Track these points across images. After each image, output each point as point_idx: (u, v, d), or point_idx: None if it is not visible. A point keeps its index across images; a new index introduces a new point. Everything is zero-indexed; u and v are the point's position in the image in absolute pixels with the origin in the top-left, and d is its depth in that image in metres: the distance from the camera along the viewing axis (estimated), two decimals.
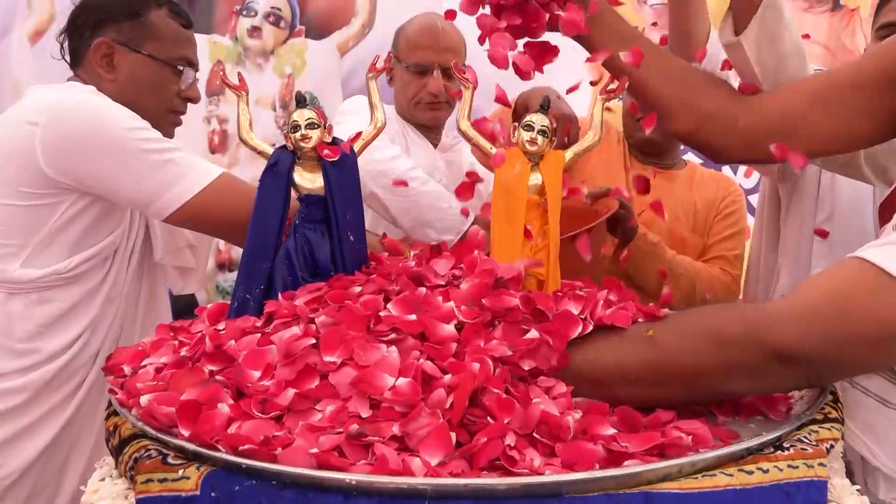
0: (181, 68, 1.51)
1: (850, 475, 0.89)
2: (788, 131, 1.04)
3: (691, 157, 2.18)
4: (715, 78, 1.15)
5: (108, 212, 1.44)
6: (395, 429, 0.77)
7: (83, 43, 1.48)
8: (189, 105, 1.58)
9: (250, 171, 2.74)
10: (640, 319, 0.91)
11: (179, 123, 1.57)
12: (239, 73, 1.04)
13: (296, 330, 0.89)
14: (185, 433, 0.79)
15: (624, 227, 1.69)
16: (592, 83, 1.22)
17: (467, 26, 2.06)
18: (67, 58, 1.51)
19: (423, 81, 1.91)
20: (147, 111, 1.44)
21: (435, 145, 2.01)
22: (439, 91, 1.92)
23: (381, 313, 0.89)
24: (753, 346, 0.82)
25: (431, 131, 2.02)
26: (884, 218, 0.98)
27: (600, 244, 1.48)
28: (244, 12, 2.95)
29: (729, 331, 0.84)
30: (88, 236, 1.42)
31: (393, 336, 0.87)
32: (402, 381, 0.81)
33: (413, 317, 0.89)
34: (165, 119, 1.51)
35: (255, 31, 2.96)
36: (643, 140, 1.90)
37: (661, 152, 1.94)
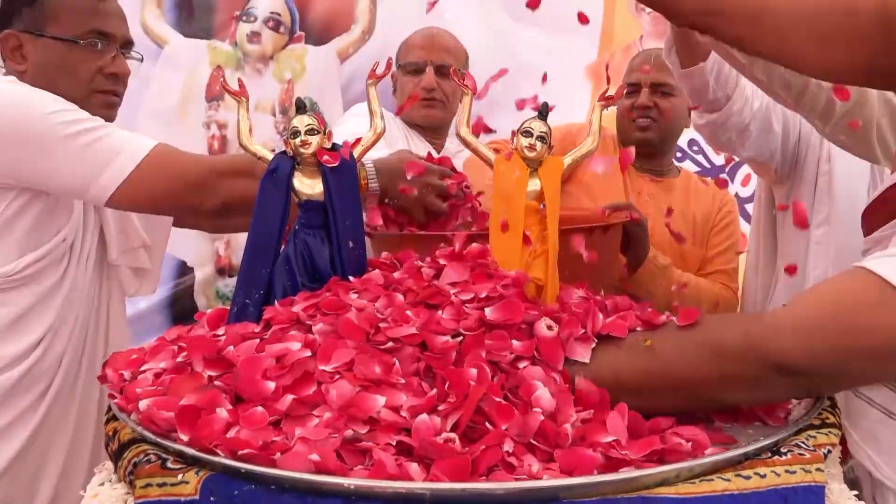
0: (92, 43, 1.41)
1: (858, 490, 0.88)
2: (760, 28, 0.98)
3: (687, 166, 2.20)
4: None
5: (53, 208, 1.38)
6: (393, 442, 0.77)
7: None
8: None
9: None
10: (638, 328, 0.91)
11: (113, 104, 1.46)
12: (239, 80, 1.04)
13: (295, 338, 0.89)
14: (185, 438, 0.79)
15: (637, 246, 1.69)
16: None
17: (470, 40, 2.10)
18: None
19: (417, 80, 1.99)
20: (68, 96, 1.35)
21: (438, 151, 2.03)
22: (431, 85, 1.98)
23: (381, 325, 0.89)
24: (754, 358, 0.82)
25: (433, 135, 2.04)
26: (867, 226, 0.97)
27: (613, 259, 1.46)
28: (244, 18, 2.95)
29: (729, 342, 0.83)
30: (35, 235, 1.36)
31: (391, 345, 0.87)
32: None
33: (413, 329, 0.88)
34: (92, 101, 1.41)
35: (254, 36, 2.97)
36: (639, 141, 1.90)
37: (655, 154, 1.95)
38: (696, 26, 1.04)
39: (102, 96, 1.44)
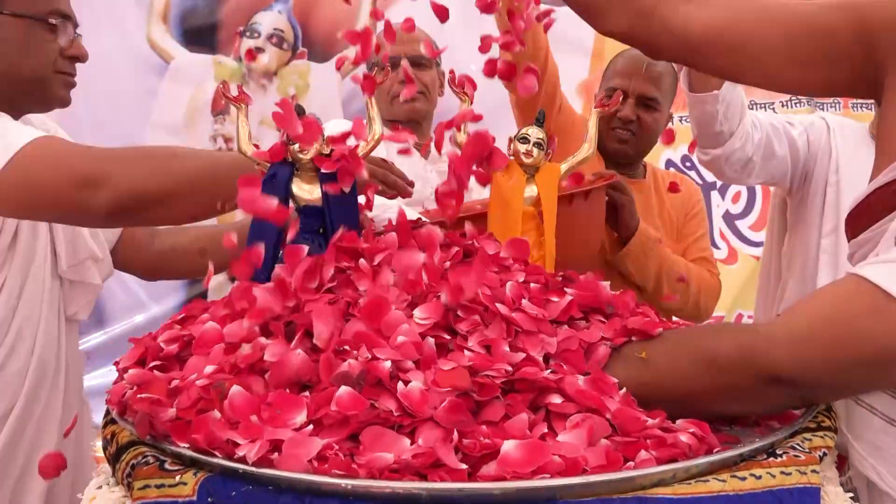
0: (54, 22, 1.33)
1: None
2: (739, 58, 0.98)
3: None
4: None
5: None
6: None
7: None
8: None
9: None
10: (633, 338, 0.90)
11: (72, 85, 1.39)
12: (239, 86, 1.05)
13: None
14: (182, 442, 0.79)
15: (625, 214, 1.68)
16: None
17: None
18: None
19: (393, 75, 1.94)
20: (28, 76, 1.31)
21: (420, 148, 1.99)
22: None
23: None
24: (747, 370, 0.81)
25: (413, 130, 1.93)
26: (850, 231, 0.96)
27: (599, 229, 1.44)
28: (247, 34, 2.99)
29: (723, 354, 0.83)
30: None
31: None
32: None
33: None
34: (54, 81, 1.35)
35: (257, 51, 3.00)
36: (615, 151, 1.90)
37: (630, 163, 1.96)
38: (675, 61, 1.06)
39: (63, 77, 1.38)
